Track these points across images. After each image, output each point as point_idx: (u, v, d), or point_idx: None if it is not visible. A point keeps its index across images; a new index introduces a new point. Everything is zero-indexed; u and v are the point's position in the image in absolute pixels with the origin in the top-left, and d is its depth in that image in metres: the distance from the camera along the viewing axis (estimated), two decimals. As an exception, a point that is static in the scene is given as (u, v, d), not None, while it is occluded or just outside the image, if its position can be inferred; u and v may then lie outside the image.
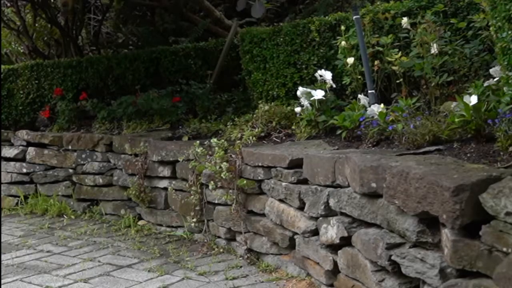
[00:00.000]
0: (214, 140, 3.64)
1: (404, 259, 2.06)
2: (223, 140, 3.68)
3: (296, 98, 3.78)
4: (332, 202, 2.66)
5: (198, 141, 3.81)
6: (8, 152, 5.46)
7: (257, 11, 4.98)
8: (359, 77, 3.57)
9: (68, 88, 5.69)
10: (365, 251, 2.35)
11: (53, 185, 5.17)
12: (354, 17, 3.43)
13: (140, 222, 4.47)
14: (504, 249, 1.61)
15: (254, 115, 3.98)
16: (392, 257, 2.13)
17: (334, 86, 3.63)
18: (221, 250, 3.66)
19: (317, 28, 4.00)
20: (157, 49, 5.68)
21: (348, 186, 2.55)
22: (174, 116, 4.76)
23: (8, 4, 7.21)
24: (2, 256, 3.72)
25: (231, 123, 4.12)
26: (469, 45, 3.21)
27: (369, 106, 3.18)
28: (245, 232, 3.47)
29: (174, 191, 4.09)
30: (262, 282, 3.06)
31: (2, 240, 4.11)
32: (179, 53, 5.52)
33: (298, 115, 3.65)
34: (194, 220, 3.86)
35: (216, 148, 3.58)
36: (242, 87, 5.02)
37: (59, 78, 5.73)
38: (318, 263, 2.82)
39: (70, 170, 5.09)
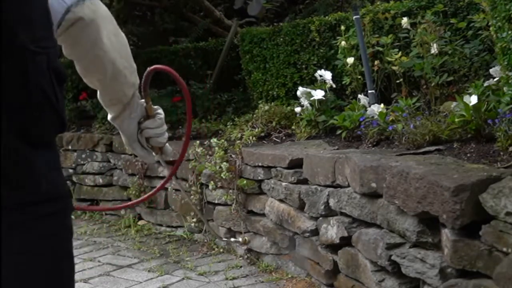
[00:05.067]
0: (214, 140, 3.64)
1: (404, 259, 2.06)
2: (223, 140, 3.68)
3: (296, 98, 3.77)
4: (332, 202, 2.66)
5: (198, 141, 3.82)
6: (8, 152, 5.46)
7: (253, 9, 4.96)
8: (359, 77, 3.57)
9: (68, 88, 5.69)
10: (365, 251, 2.35)
11: (53, 185, 5.16)
12: (354, 17, 3.43)
13: (140, 222, 4.47)
14: (504, 249, 1.61)
15: (254, 115, 3.98)
16: (392, 257, 2.13)
17: (334, 86, 3.63)
18: (221, 250, 3.66)
19: (317, 28, 4.00)
20: (157, 49, 5.67)
21: (348, 186, 2.55)
22: (174, 116, 4.76)
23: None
24: None
25: (231, 123, 4.12)
26: (469, 45, 3.20)
27: (369, 106, 3.17)
28: (245, 232, 3.47)
29: (174, 191, 4.08)
30: (262, 282, 3.06)
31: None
32: (179, 53, 5.52)
33: (298, 115, 3.64)
34: (194, 220, 3.86)
35: (216, 148, 3.58)
36: (242, 87, 5.01)
37: (59, 78, 5.72)
38: (318, 263, 2.82)
39: (70, 170, 5.09)
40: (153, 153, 1.57)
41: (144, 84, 1.53)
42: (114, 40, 1.41)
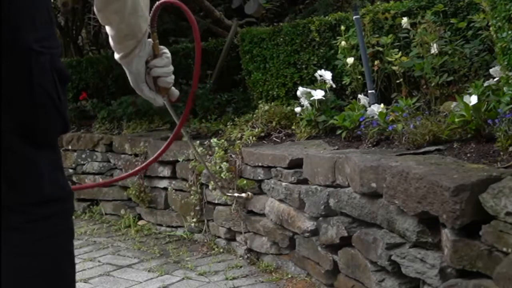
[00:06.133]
0: (214, 140, 3.64)
1: (404, 259, 2.06)
2: (223, 140, 3.68)
3: (296, 98, 3.78)
4: (332, 202, 2.66)
5: (198, 141, 3.82)
6: (8, 152, 5.45)
7: (251, 7, 4.97)
8: (359, 77, 3.57)
9: (68, 88, 5.68)
10: (365, 251, 2.35)
11: (53, 185, 5.16)
12: (354, 17, 3.43)
13: (140, 222, 4.47)
14: (504, 249, 1.61)
15: (254, 115, 3.98)
16: (392, 257, 2.14)
17: (334, 86, 3.63)
18: (221, 250, 3.67)
19: (317, 28, 4.00)
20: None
21: (348, 186, 2.55)
22: (174, 116, 4.76)
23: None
24: None
25: (231, 123, 4.13)
26: (469, 45, 3.21)
27: (369, 106, 3.17)
28: (245, 232, 3.47)
29: (174, 191, 4.09)
30: (262, 282, 3.06)
31: None
32: (179, 53, 5.51)
33: (298, 115, 3.64)
34: (194, 220, 3.86)
35: (216, 148, 3.58)
36: (242, 87, 5.01)
37: (59, 78, 5.72)
38: (318, 263, 2.82)
39: (70, 170, 5.09)
40: (160, 96, 1.53)
41: (152, 19, 1.48)
42: None
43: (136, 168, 1.88)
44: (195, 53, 1.53)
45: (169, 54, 1.50)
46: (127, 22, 1.36)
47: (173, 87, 1.55)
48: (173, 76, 1.51)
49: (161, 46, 1.50)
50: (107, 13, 1.36)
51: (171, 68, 1.51)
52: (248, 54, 4.39)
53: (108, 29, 1.41)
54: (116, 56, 1.45)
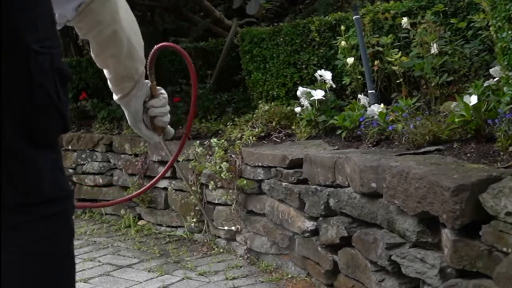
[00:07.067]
0: (214, 140, 3.64)
1: (404, 259, 2.06)
2: (223, 140, 3.68)
3: (296, 98, 3.78)
4: (332, 202, 2.66)
5: (198, 141, 3.82)
6: (8, 152, 5.45)
7: (252, 8, 4.97)
8: (359, 77, 3.57)
9: (68, 88, 5.68)
10: (365, 251, 2.35)
11: (53, 185, 5.16)
12: (354, 17, 3.43)
13: (140, 222, 4.47)
14: (504, 249, 1.61)
15: (254, 115, 3.98)
16: (392, 257, 2.14)
17: (334, 86, 3.63)
18: (221, 250, 3.67)
19: (317, 28, 4.00)
20: (157, 49, 5.66)
21: (348, 186, 2.55)
22: (174, 116, 4.76)
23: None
24: None
25: (231, 123, 4.12)
26: (469, 45, 3.21)
27: (369, 106, 3.17)
28: (245, 232, 3.47)
29: (174, 191, 4.09)
30: (262, 282, 3.06)
31: None
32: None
33: (298, 115, 3.64)
34: (194, 220, 3.86)
35: (216, 148, 3.58)
36: (242, 87, 5.01)
37: (59, 78, 5.72)
38: (318, 263, 2.82)
39: (70, 170, 5.09)
40: (156, 134, 1.60)
41: (150, 62, 1.55)
42: (129, 17, 1.43)
43: (135, 192, 2.01)
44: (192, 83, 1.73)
45: (166, 95, 1.58)
46: (124, 65, 1.43)
47: (168, 126, 1.61)
48: (169, 115, 1.58)
49: (158, 87, 1.57)
50: (104, 58, 1.43)
51: (168, 108, 1.58)
52: (248, 54, 4.39)
53: (105, 72, 1.49)
54: (115, 97, 1.52)
